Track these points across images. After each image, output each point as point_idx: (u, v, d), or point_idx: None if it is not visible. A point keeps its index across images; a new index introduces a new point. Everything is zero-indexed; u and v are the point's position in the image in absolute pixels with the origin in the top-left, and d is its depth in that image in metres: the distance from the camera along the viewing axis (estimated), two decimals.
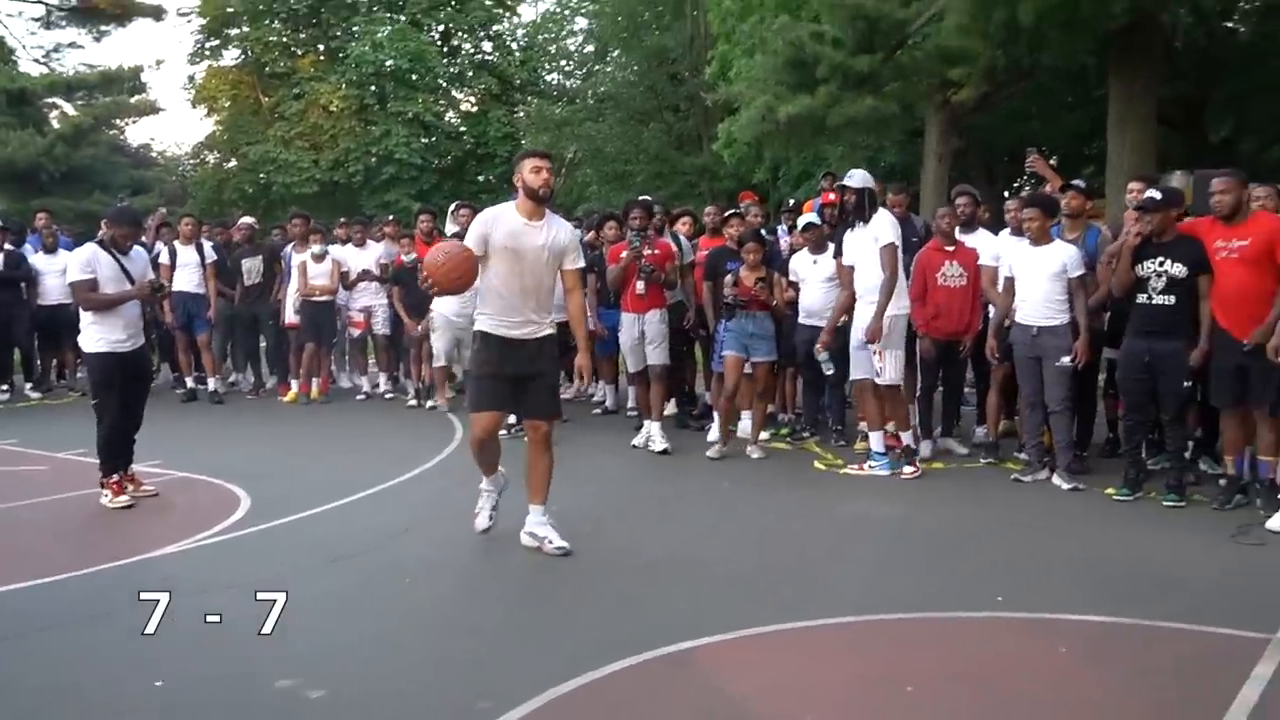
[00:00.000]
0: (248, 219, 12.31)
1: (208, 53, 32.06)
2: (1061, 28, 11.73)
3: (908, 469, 7.34)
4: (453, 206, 10.72)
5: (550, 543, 5.53)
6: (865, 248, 7.27)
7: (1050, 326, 6.91)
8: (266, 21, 30.89)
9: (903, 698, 3.78)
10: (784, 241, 9.42)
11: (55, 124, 26.65)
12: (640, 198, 9.74)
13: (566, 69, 34.06)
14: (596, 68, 31.30)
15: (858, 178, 7.41)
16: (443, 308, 9.88)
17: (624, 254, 8.25)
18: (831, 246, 8.09)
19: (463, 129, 31.30)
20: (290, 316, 11.08)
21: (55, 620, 4.65)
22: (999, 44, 12.28)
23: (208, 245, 11.35)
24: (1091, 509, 6.48)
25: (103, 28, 28.96)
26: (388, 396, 11.23)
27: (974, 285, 7.69)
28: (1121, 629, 4.44)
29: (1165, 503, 6.41)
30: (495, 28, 32.97)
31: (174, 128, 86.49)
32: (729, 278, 7.97)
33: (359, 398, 11.32)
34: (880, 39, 12.81)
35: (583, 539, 5.70)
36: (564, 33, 33.04)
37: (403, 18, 29.67)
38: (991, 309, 7.62)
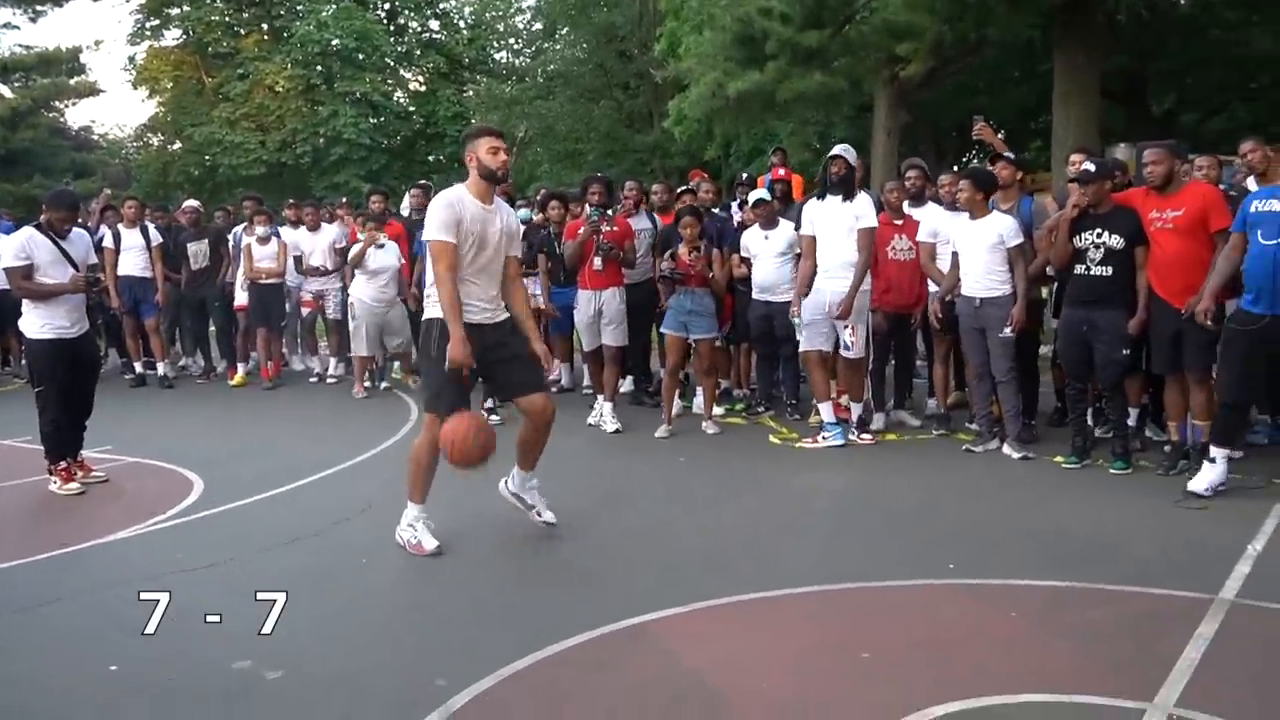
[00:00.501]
0: (192, 202, 12.13)
1: (148, 33, 31.49)
2: (1006, 2, 11.85)
3: (864, 436, 7.51)
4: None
5: (539, 514, 5.49)
6: (838, 222, 7.29)
7: (992, 298, 6.99)
8: (208, 0, 30.35)
9: (859, 665, 3.83)
10: (737, 217, 9.45)
11: None
12: (597, 174, 9.72)
13: (515, 47, 33.96)
14: (545, 45, 31.17)
15: (853, 153, 7.49)
16: (362, 294, 9.84)
17: (581, 230, 8.24)
18: (783, 222, 8.14)
19: (411, 109, 31.10)
20: (240, 299, 10.96)
21: (4, 607, 4.60)
22: (945, 19, 12.40)
23: (152, 228, 11.19)
24: (1041, 477, 6.59)
25: (39, 8, 28.46)
26: (330, 380, 11.12)
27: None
28: (1071, 592, 4.52)
29: (1112, 470, 6.54)
30: (442, 5, 32.78)
31: (116, 110, 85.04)
32: (667, 252, 8.04)
33: (311, 380, 11.24)
34: (828, 14, 12.86)
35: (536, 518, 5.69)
36: (512, 10, 32.90)
37: None
38: (930, 284, 7.72)
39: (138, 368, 11.20)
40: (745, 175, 11.05)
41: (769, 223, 8.17)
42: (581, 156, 26.24)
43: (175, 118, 30.75)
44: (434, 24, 32.93)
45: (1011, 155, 7.71)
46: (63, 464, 6.63)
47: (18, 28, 29.37)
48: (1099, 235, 6.50)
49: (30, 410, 6.67)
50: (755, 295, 8.27)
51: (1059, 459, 6.82)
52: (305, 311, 11.31)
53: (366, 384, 10.28)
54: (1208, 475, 5.95)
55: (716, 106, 14.32)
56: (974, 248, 7.07)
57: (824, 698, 3.60)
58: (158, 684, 3.79)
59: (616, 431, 8.10)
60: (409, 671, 3.86)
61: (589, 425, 8.33)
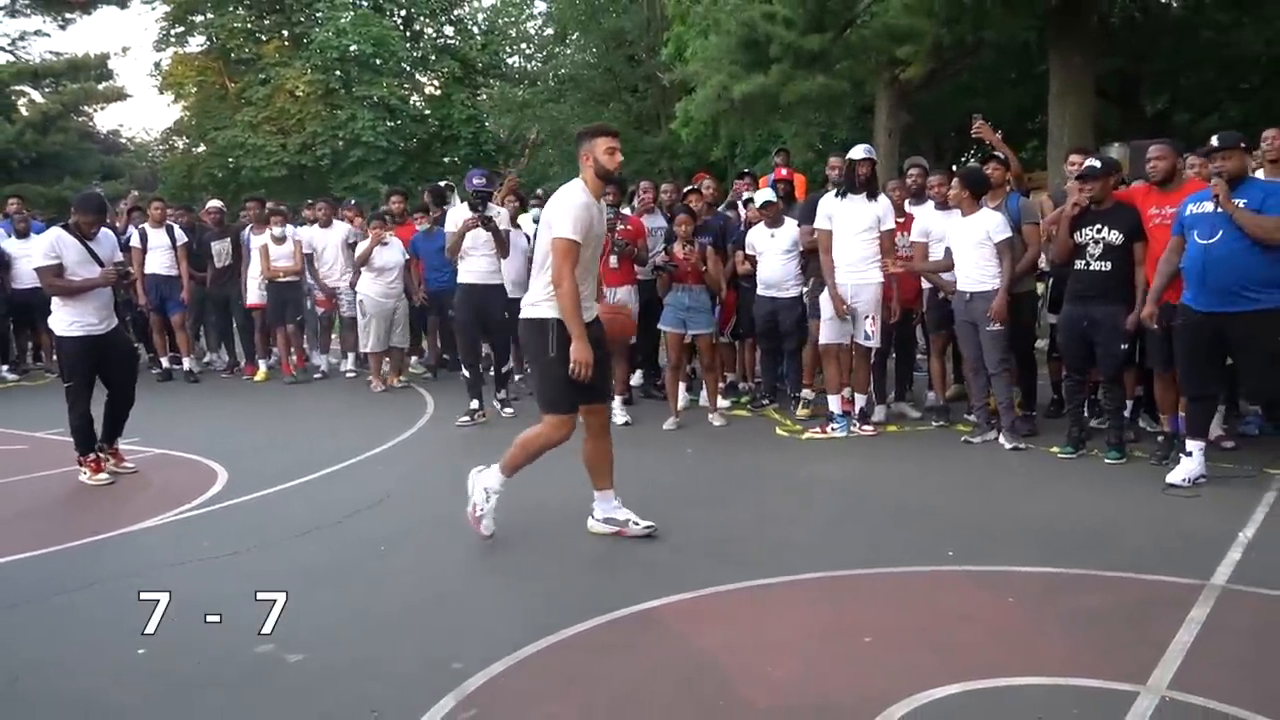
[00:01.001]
0: (216, 202, 12.32)
1: (173, 39, 31.81)
2: (1003, 4, 11.97)
3: (865, 428, 7.66)
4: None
5: (635, 524, 5.34)
6: (859, 221, 7.46)
7: (982, 292, 7.11)
8: (231, 8, 30.69)
9: (861, 648, 3.91)
10: (743, 211, 9.53)
11: (24, 111, 26.42)
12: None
13: (527, 52, 34.12)
14: (556, 50, 31.33)
15: (875, 155, 7.72)
16: (369, 290, 10.01)
17: None
18: (789, 220, 8.29)
19: (427, 112, 31.23)
20: (252, 298, 11.13)
21: (37, 593, 4.71)
22: (944, 22, 12.47)
23: (177, 228, 11.38)
24: (1037, 467, 6.67)
25: (68, 15, 28.66)
26: (349, 375, 11.23)
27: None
28: (1066, 579, 4.59)
29: (1107, 459, 6.63)
30: (456, 12, 32.95)
31: (142, 114, 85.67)
32: (662, 248, 8.24)
33: (316, 377, 11.30)
34: (830, 18, 12.97)
35: (551, 506, 5.81)
36: (524, 16, 33.14)
37: (365, 3, 29.62)
38: (924, 281, 7.96)
39: (164, 363, 11.41)
40: (745, 172, 11.17)
41: (774, 221, 8.32)
42: None
43: (199, 121, 31.06)
44: (449, 30, 33.12)
45: (1003, 155, 7.84)
46: (91, 455, 6.75)
47: (48, 35, 29.82)
48: (1099, 230, 6.59)
49: (62, 405, 6.77)
50: (760, 291, 8.41)
51: (1055, 449, 6.91)
52: (319, 310, 11.47)
53: (385, 379, 10.41)
54: (1185, 467, 6.05)
55: (722, 108, 14.42)
56: (964, 244, 7.20)
57: (828, 680, 3.67)
58: (183, 668, 3.86)
59: (626, 424, 8.20)
60: (425, 655, 3.92)
61: None
